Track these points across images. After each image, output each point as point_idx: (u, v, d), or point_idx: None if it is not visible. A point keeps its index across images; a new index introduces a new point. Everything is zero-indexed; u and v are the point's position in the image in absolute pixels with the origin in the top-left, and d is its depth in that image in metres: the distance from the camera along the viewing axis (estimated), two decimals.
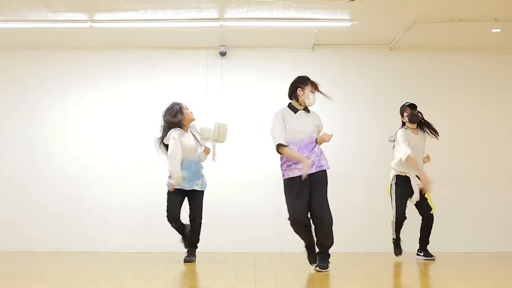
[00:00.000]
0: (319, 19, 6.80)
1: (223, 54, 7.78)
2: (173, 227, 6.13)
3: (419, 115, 6.44)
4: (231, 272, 5.27)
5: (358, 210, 7.58)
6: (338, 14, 6.64)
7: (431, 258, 6.37)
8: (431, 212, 6.36)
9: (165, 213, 6.05)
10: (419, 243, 6.48)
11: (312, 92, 5.36)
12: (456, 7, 6.40)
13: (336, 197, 7.61)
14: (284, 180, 5.30)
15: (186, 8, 6.47)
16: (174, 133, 5.95)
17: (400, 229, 6.39)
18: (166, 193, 6.06)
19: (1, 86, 7.86)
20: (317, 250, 5.33)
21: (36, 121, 7.78)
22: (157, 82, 7.80)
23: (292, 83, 5.40)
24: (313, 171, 5.23)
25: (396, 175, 6.38)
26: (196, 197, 6.15)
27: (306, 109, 5.39)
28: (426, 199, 6.36)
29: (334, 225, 7.53)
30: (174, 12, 6.58)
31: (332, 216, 5.26)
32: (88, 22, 6.86)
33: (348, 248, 7.32)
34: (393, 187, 6.39)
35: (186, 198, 6.17)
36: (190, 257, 6.13)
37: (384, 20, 6.88)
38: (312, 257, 5.38)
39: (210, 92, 7.79)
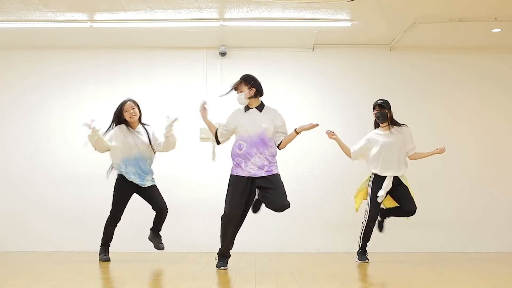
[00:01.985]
0: (319, 19, 6.81)
1: (223, 54, 7.78)
2: (110, 230, 6.24)
3: (388, 114, 6.39)
4: (231, 272, 5.27)
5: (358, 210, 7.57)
6: (338, 14, 6.64)
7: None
8: (414, 210, 6.27)
9: (110, 212, 6.24)
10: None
11: (238, 92, 5.51)
12: (456, 7, 6.40)
13: (336, 197, 7.65)
14: (230, 175, 5.46)
15: (186, 8, 6.47)
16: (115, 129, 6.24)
17: (370, 235, 6.29)
18: (113, 192, 6.24)
19: (2, 86, 7.87)
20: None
21: (37, 121, 7.78)
22: (157, 82, 7.80)
23: None
24: (262, 175, 5.35)
25: (374, 174, 6.34)
26: (149, 192, 6.23)
27: (258, 108, 5.51)
28: (409, 195, 6.29)
29: (334, 225, 7.59)
30: (174, 12, 6.59)
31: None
32: (88, 22, 6.86)
33: (348, 248, 7.31)
34: (370, 184, 6.34)
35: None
36: (162, 243, 6.34)
37: (384, 20, 6.88)
38: (222, 263, 5.47)
39: (210, 92, 7.79)
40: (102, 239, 6.27)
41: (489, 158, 7.77)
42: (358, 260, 6.29)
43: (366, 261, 6.25)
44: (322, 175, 7.72)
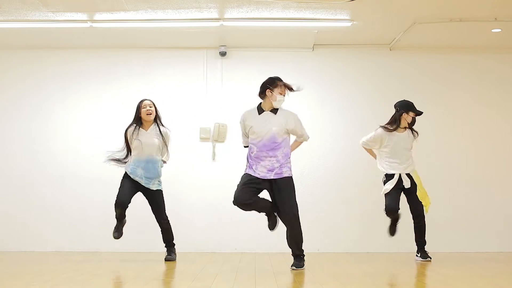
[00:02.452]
0: (319, 19, 6.81)
1: (223, 54, 7.78)
2: (118, 212, 6.20)
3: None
4: (231, 272, 5.27)
5: (358, 210, 7.58)
6: (338, 14, 6.64)
7: (427, 259, 6.33)
8: (423, 209, 6.30)
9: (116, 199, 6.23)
10: (416, 244, 6.46)
11: (281, 93, 5.45)
12: (456, 7, 6.40)
13: (336, 197, 7.65)
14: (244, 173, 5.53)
15: (186, 8, 6.47)
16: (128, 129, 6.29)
17: (394, 218, 6.26)
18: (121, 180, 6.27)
19: (2, 86, 7.87)
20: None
21: (37, 121, 7.78)
22: (157, 82, 7.80)
23: (262, 83, 5.53)
24: (272, 178, 5.41)
25: (385, 174, 6.40)
26: (153, 197, 6.27)
27: (274, 110, 5.48)
28: (416, 196, 6.32)
29: (334, 225, 7.60)
30: (174, 12, 6.59)
31: (300, 222, 5.45)
32: (88, 22, 6.86)
33: (348, 248, 7.32)
34: (383, 184, 6.40)
35: (143, 196, 6.33)
36: (171, 255, 6.30)
37: (384, 20, 6.88)
38: (271, 223, 5.57)
39: (210, 92, 7.79)
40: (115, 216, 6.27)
41: (489, 158, 7.77)
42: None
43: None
44: (322, 175, 7.72)
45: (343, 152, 7.71)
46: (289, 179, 5.46)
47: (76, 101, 7.81)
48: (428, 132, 7.68)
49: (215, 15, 6.72)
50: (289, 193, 5.41)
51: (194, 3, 6.31)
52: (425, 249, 6.39)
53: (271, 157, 5.38)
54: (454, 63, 7.86)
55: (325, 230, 7.59)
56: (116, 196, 6.20)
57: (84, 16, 6.72)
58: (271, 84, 5.46)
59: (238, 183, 5.52)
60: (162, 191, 6.32)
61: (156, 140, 6.25)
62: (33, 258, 6.68)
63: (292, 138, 5.75)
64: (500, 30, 7.07)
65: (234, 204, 5.47)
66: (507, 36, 7.32)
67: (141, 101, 6.32)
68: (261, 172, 5.40)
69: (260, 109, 5.53)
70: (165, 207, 6.33)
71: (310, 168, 7.73)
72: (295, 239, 5.47)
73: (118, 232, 6.22)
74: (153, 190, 6.25)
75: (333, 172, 7.71)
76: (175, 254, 6.35)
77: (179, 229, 7.28)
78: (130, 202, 6.19)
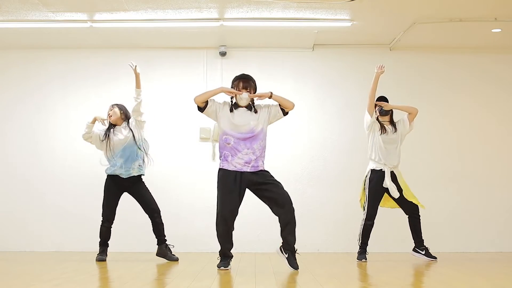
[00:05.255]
0: (319, 19, 6.81)
1: (223, 54, 7.78)
2: (103, 230, 6.28)
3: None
4: (231, 272, 5.27)
5: (356, 210, 7.57)
6: (338, 14, 6.64)
7: (433, 259, 6.32)
8: (416, 205, 6.26)
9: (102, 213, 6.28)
10: (414, 241, 6.43)
11: (241, 91, 5.35)
12: (456, 7, 6.40)
13: (336, 197, 7.65)
14: (218, 169, 5.42)
15: (186, 8, 6.47)
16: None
17: (369, 233, 6.27)
18: (103, 192, 6.28)
19: (2, 86, 7.87)
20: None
21: (37, 121, 7.79)
22: (157, 82, 7.80)
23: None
24: (248, 170, 5.30)
25: (371, 169, 6.30)
26: (138, 190, 6.25)
27: (248, 107, 5.39)
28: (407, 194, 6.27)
29: (334, 225, 7.60)
30: (174, 12, 6.59)
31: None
32: (88, 22, 6.86)
33: (348, 248, 7.31)
34: (367, 182, 6.30)
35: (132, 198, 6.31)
36: (171, 256, 6.28)
37: (384, 20, 6.88)
38: (224, 263, 5.41)
39: None
40: (99, 241, 6.30)
41: (489, 158, 7.77)
42: (356, 260, 6.29)
43: (364, 260, 6.24)
44: (322, 175, 7.72)
45: (343, 152, 7.71)
46: (267, 172, 5.38)
47: (77, 101, 7.81)
48: (428, 132, 7.68)
49: (215, 15, 6.72)
50: (276, 185, 5.33)
51: (194, 3, 6.32)
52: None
53: (248, 148, 5.31)
54: (454, 63, 7.87)
55: (325, 230, 7.60)
56: (102, 212, 6.25)
57: (84, 16, 6.72)
58: (233, 82, 5.45)
59: (219, 189, 5.36)
60: (143, 181, 6.29)
61: (127, 132, 6.24)
62: (33, 258, 6.68)
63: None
64: (500, 30, 7.07)
65: (219, 225, 5.34)
66: (507, 36, 7.32)
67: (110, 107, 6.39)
68: (238, 164, 5.31)
69: (235, 105, 5.40)
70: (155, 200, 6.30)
71: (309, 168, 7.73)
72: (294, 231, 5.35)
73: (102, 256, 6.23)
74: (137, 186, 6.23)
75: (333, 172, 7.71)
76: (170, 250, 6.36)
77: (179, 229, 7.29)
78: (115, 216, 6.28)
